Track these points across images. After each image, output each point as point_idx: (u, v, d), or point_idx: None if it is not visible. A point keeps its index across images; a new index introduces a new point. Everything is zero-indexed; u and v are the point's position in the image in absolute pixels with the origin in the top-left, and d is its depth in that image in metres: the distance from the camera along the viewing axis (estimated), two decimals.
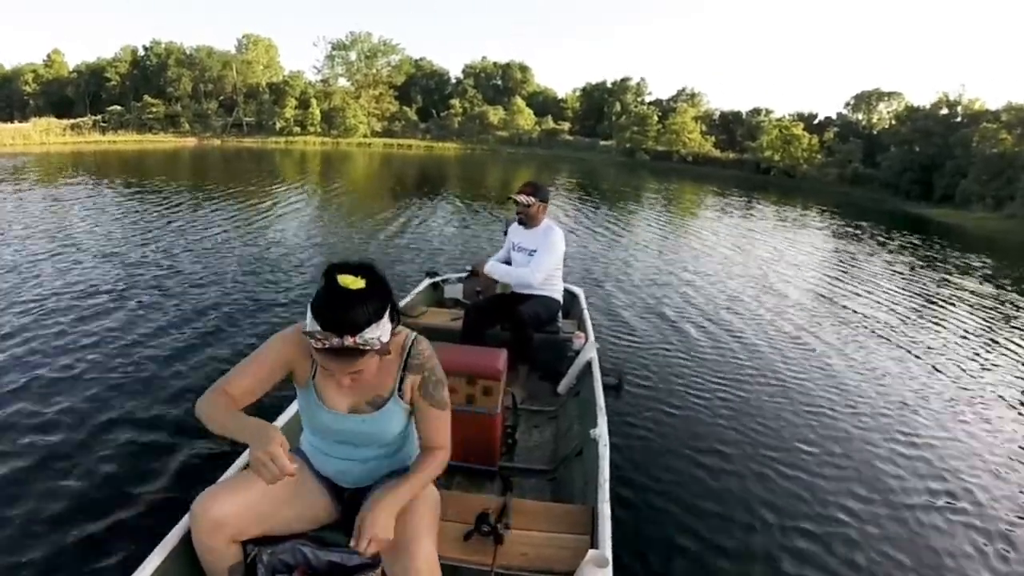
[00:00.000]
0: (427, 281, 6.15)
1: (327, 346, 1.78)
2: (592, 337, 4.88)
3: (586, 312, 5.54)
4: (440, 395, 2.17)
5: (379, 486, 2.23)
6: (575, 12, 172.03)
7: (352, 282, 1.81)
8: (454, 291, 6.12)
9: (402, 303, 5.31)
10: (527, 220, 4.78)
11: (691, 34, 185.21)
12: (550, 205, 5.02)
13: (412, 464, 2.17)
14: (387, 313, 1.90)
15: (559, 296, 4.97)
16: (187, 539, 2.18)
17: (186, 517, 2.21)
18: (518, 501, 2.86)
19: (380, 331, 1.85)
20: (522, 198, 4.68)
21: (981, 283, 13.58)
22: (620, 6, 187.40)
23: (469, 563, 2.43)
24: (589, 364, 4.36)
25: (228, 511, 2.06)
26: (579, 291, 6.03)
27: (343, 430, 2.18)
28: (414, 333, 2.20)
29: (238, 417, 1.93)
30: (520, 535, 2.57)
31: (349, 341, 1.77)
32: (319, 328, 1.79)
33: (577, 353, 4.59)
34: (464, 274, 5.61)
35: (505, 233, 5.24)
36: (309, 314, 1.83)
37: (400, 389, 2.13)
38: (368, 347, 1.81)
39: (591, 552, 2.28)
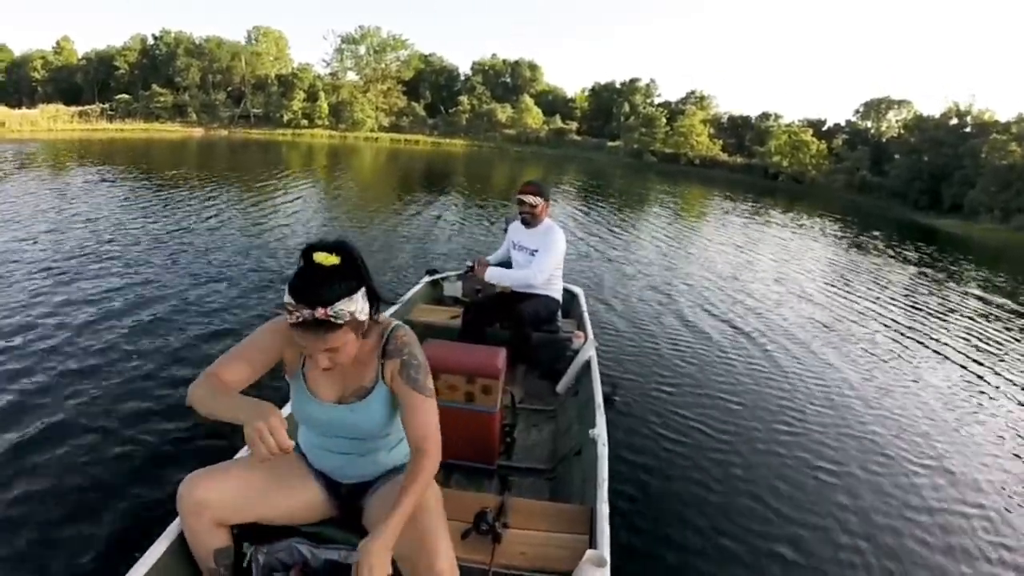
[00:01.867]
0: (426, 279, 6.14)
1: (300, 319, 1.80)
2: (591, 337, 4.85)
3: (585, 312, 5.53)
4: (422, 381, 2.08)
5: (380, 483, 2.24)
6: (574, 12, 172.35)
7: (325, 258, 1.83)
8: (453, 289, 6.11)
9: (401, 301, 5.33)
10: (531, 219, 4.77)
11: (693, 36, 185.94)
12: (552, 205, 5.00)
13: (403, 477, 2.03)
14: (361, 291, 1.92)
15: (558, 295, 4.95)
16: (183, 538, 2.17)
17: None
18: (516, 500, 2.85)
19: (353, 306, 1.86)
20: (529, 198, 4.68)
21: (994, 296, 13.49)
22: (618, 6, 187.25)
23: (467, 562, 2.39)
24: (588, 364, 4.34)
25: (211, 494, 2.06)
26: (579, 291, 6.01)
27: (333, 420, 2.15)
28: (395, 322, 2.19)
29: (232, 396, 1.91)
30: (518, 534, 2.56)
31: (320, 313, 1.78)
32: (292, 300, 1.80)
33: (576, 353, 4.57)
34: (464, 271, 5.57)
35: (505, 231, 5.22)
36: (286, 290, 1.84)
37: (382, 376, 2.12)
38: (339, 320, 1.82)
39: (589, 552, 2.27)
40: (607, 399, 3.68)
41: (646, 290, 9.71)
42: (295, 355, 2.13)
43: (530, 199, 4.67)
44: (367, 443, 2.21)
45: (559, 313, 5.07)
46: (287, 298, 1.81)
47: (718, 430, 5.08)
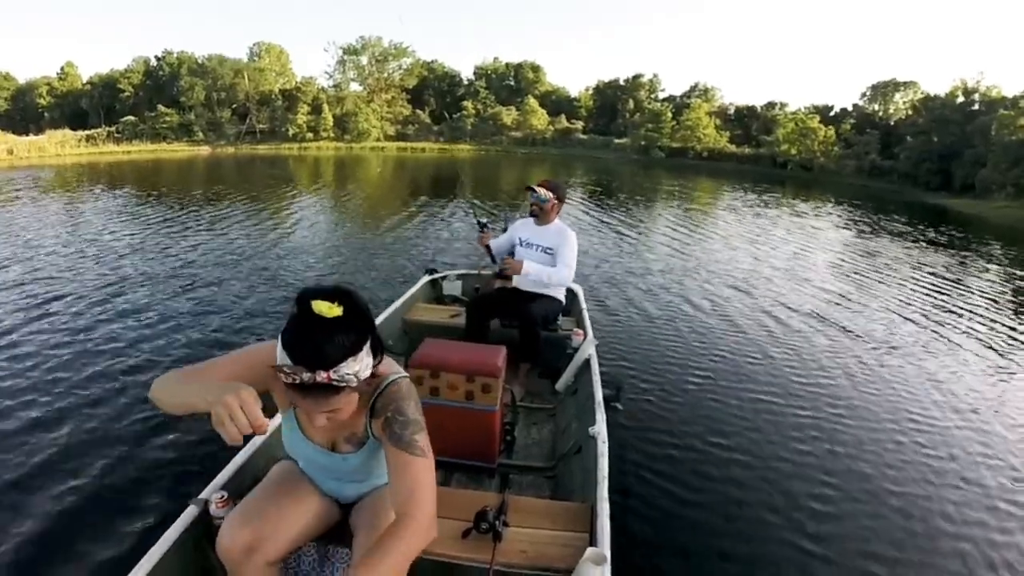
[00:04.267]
0: (426, 278, 6.19)
1: (297, 382, 1.58)
2: (591, 334, 4.84)
3: (585, 309, 5.52)
4: (408, 437, 1.81)
5: (372, 495, 2.21)
6: (574, 12, 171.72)
7: (328, 309, 1.58)
8: (453, 288, 6.18)
9: (401, 300, 5.34)
10: (540, 215, 4.75)
11: (695, 28, 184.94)
12: (565, 204, 4.99)
13: (377, 541, 1.74)
14: (366, 346, 1.69)
15: (562, 296, 4.95)
16: (188, 534, 2.20)
17: (187, 512, 2.26)
18: (517, 498, 2.85)
19: (358, 365, 1.64)
20: (542, 191, 4.68)
21: (1009, 273, 13.35)
22: (617, 6, 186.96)
23: (467, 561, 2.42)
24: (588, 361, 4.35)
25: (256, 535, 2.00)
26: (578, 288, 6.00)
27: (327, 465, 2.11)
28: (392, 376, 1.93)
29: (202, 381, 1.67)
30: (519, 532, 2.56)
31: (322, 377, 1.57)
32: (289, 362, 1.59)
33: (576, 350, 4.57)
34: (478, 226, 5.53)
35: (504, 230, 5.19)
36: (279, 345, 1.63)
37: (371, 431, 1.99)
38: (344, 384, 1.61)
39: (589, 550, 2.27)
40: (609, 401, 3.67)
41: (649, 287, 9.67)
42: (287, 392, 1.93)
43: (542, 191, 4.67)
44: (360, 474, 2.16)
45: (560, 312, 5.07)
46: (281, 357, 1.61)
47: (720, 426, 5.06)
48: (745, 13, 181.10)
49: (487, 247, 5.11)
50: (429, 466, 1.82)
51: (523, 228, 4.94)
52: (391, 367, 1.96)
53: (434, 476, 1.84)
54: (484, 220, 5.17)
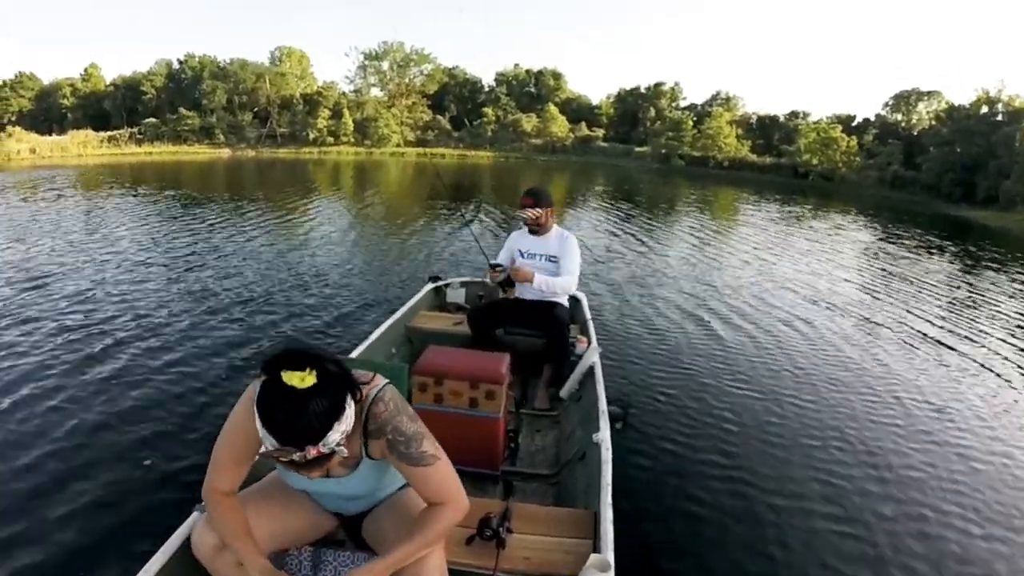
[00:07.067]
0: (430, 285, 6.20)
1: (290, 460, 1.58)
2: (595, 342, 4.84)
3: (589, 317, 5.51)
4: (415, 452, 1.86)
5: (378, 509, 2.21)
6: (572, 13, 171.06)
7: (300, 380, 1.54)
8: (456, 296, 6.18)
9: (404, 308, 5.37)
10: (538, 228, 4.77)
11: (718, 36, 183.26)
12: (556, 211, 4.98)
13: (416, 520, 1.92)
14: (348, 400, 1.67)
15: (566, 302, 4.94)
16: (189, 542, 2.18)
17: (189, 519, 2.24)
18: (520, 505, 2.85)
19: (344, 425, 1.64)
20: (529, 213, 4.68)
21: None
22: (614, 6, 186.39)
23: (471, 568, 2.41)
24: (592, 369, 4.34)
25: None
26: (582, 296, 5.99)
27: (322, 492, 2.12)
28: (374, 392, 1.87)
29: (249, 548, 1.91)
30: (522, 539, 2.56)
31: (313, 453, 1.56)
32: (276, 444, 1.56)
33: (580, 358, 4.53)
34: (468, 278, 5.51)
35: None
36: (259, 422, 1.58)
37: (367, 452, 1.94)
38: (335, 452, 1.61)
39: (593, 556, 2.27)
40: (615, 420, 3.64)
41: (657, 295, 9.63)
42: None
43: (530, 213, 4.67)
44: (360, 491, 2.13)
45: None
46: (265, 438, 1.58)
47: (725, 434, 5.03)
48: (762, 20, 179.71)
49: (498, 284, 5.12)
50: (443, 465, 1.92)
51: (521, 239, 4.94)
52: (372, 389, 1.89)
53: (451, 466, 1.95)
54: (498, 264, 5.05)
